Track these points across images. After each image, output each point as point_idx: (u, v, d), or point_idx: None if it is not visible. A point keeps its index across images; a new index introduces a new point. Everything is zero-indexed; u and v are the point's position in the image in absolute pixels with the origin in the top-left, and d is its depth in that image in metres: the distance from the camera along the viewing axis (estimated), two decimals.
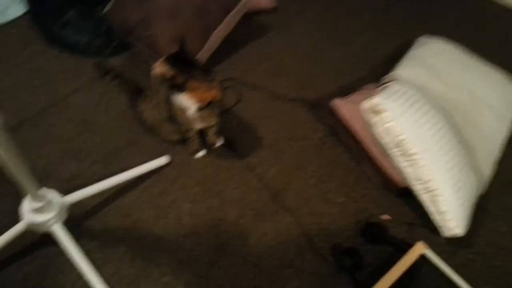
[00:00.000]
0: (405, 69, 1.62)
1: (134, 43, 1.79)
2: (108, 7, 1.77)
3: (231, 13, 1.75)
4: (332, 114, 1.62)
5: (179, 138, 1.47)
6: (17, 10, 1.67)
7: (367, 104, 1.36)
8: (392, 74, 1.63)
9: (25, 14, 1.74)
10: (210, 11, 1.72)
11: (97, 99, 1.64)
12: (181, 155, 1.51)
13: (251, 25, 2.05)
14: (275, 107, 1.71)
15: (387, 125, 1.32)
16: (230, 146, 1.54)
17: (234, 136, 1.57)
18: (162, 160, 1.45)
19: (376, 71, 1.81)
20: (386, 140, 1.35)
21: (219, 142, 1.54)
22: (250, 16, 2.01)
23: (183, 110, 1.27)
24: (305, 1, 2.27)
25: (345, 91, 1.69)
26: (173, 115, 1.33)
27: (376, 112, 1.34)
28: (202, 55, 1.74)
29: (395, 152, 1.35)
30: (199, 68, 1.24)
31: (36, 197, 1.05)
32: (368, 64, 1.93)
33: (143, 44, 1.74)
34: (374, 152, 1.47)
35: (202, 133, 1.48)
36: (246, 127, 1.62)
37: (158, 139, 1.51)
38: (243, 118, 1.65)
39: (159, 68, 1.17)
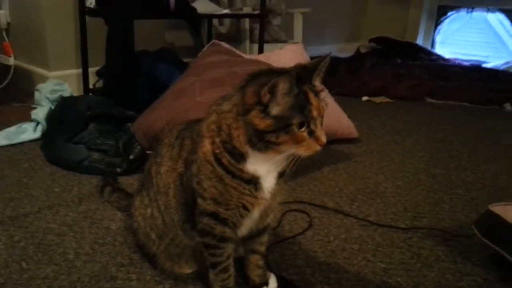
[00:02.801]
0: None
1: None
2: (134, 123, 1.63)
3: None
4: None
5: (196, 269, 0.95)
6: (30, 135, 1.76)
7: None
8: None
9: (37, 139, 1.76)
10: None
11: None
12: None
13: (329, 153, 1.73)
14: (375, 237, 1.16)
15: None
16: None
17: (296, 279, 0.99)
18: None
19: None
20: None
21: (270, 285, 0.93)
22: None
23: None
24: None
25: None
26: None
27: None
28: None
29: None
30: None
31: None
32: None
33: None
34: None
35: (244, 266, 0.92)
36: (321, 265, 1.05)
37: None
38: (315, 251, 1.11)
39: None
